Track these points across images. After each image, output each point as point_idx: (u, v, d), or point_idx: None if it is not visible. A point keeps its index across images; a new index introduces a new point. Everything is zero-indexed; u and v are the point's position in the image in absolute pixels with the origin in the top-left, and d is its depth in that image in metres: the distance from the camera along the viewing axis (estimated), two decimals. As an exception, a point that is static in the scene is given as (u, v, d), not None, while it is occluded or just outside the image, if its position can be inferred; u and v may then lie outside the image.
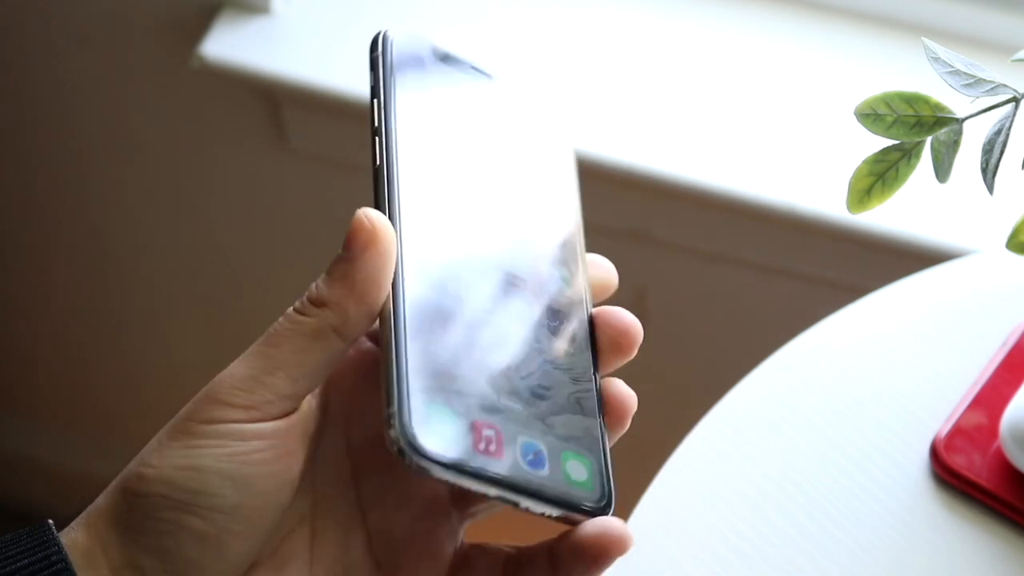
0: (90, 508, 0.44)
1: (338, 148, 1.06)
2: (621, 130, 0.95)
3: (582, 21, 1.01)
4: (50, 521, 0.44)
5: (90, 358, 1.38)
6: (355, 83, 0.97)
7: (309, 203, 1.13)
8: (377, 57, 0.49)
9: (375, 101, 0.48)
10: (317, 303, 0.44)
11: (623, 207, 1.00)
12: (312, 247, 1.15)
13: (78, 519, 0.44)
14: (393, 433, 0.42)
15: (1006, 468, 0.65)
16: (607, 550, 0.44)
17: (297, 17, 1.01)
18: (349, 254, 0.44)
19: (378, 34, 0.49)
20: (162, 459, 0.43)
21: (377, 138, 0.47)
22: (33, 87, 1.15)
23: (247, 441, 0.43)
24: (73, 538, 0.43)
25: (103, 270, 1.28)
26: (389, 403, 0.42)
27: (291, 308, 0.44)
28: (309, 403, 0.45)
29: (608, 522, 0.44)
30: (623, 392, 0.47)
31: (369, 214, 0.44)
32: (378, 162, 0.47)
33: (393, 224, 0.45)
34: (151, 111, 1.13)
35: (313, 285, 0.44)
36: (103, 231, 1.25)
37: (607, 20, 1.01)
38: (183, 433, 0.43)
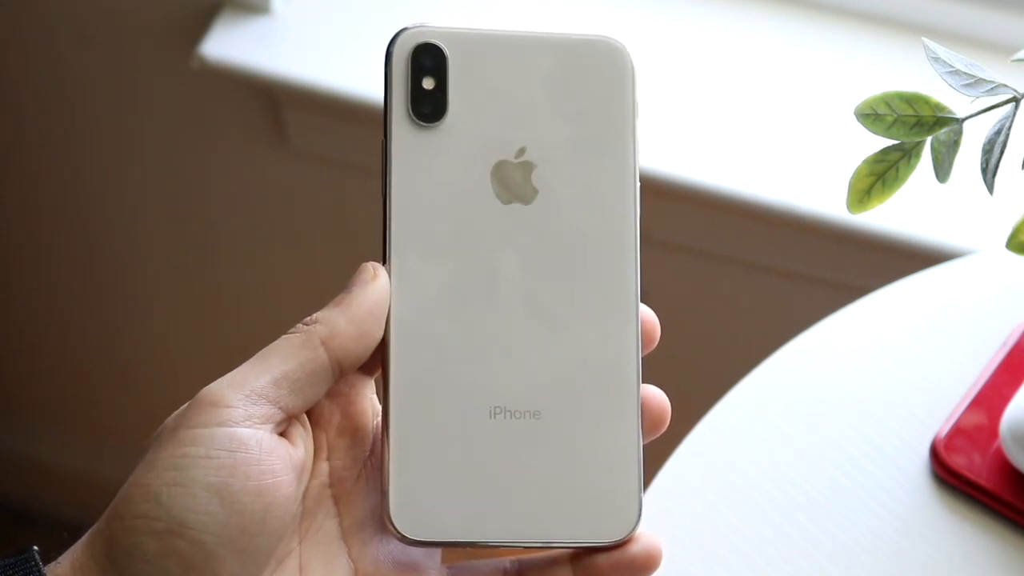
0: (82, 538, 0.44)
1: (338, 148, 1.06)
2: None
3: (580, 21, 1.01)
4: (35, 549, 0.44)
5: (90, 358, 1.38)
6: (355, 83, 0.97)
7: (309, 203, 1.13)
8: (388, 79, 0.48)
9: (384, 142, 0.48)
10: (309, 321, 0.46)
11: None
12: (311, 247, 1.15)
13: (70, 549, 0.44)
14: (390, 517, 0.45)
15: (1006, 468, 0.65)
16: (648, 567, 0.47)
17: (297, 17, 1.01)
18: (347, 288, 0.46)
19: (393, 37, 0.49)
20: (149, 476, 0.43)
21: (385, 200, 0.47)
22: (33, 87, 1.15)
23: (232, 452, 0.43)
24: (58, 574, 0.43)
25: (103, 270, 1.28)
26: (385, 489, 0.45)
27: None
28: (305, 445, 0.46)
29: (653, 543, 0.47)
30: (657, 396, 0.48)
31: (374, 264, 0.47)
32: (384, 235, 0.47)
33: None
34: (151, 111, 1.13)
35: None
36: (103, 231, 1.25)
37: (606, 20, 1.01)
38: (171, 441, 0.44)
